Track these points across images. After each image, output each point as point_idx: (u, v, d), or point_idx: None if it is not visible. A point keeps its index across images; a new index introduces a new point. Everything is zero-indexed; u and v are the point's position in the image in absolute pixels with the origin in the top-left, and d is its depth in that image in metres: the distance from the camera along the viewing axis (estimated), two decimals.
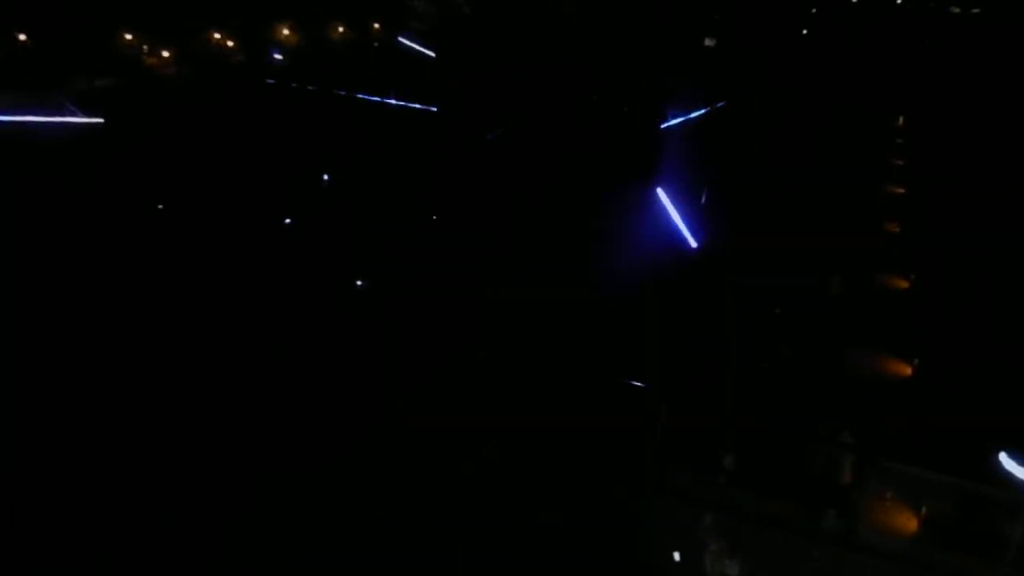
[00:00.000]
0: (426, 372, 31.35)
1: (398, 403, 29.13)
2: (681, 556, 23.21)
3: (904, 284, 41.22)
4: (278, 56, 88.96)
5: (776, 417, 27.67)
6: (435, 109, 72.99)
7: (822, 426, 27.19)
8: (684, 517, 24.19)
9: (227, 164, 53.40)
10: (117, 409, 27.91)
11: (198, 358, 31.41)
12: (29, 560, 22.13)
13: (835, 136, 68.10)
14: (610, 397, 29.38)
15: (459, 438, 27.32)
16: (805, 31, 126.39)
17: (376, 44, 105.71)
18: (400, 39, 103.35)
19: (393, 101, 74.59)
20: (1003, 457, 24.78)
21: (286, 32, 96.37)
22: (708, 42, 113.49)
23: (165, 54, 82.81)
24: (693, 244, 45.07)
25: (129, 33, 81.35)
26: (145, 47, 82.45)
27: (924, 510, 24.65)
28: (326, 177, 52.56)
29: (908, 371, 32.80)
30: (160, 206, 45.80)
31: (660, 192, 51.05)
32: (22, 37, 73.61)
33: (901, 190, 57.30)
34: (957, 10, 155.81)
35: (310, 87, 77.95)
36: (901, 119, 78.03)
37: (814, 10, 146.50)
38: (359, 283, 38.89)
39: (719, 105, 78.98)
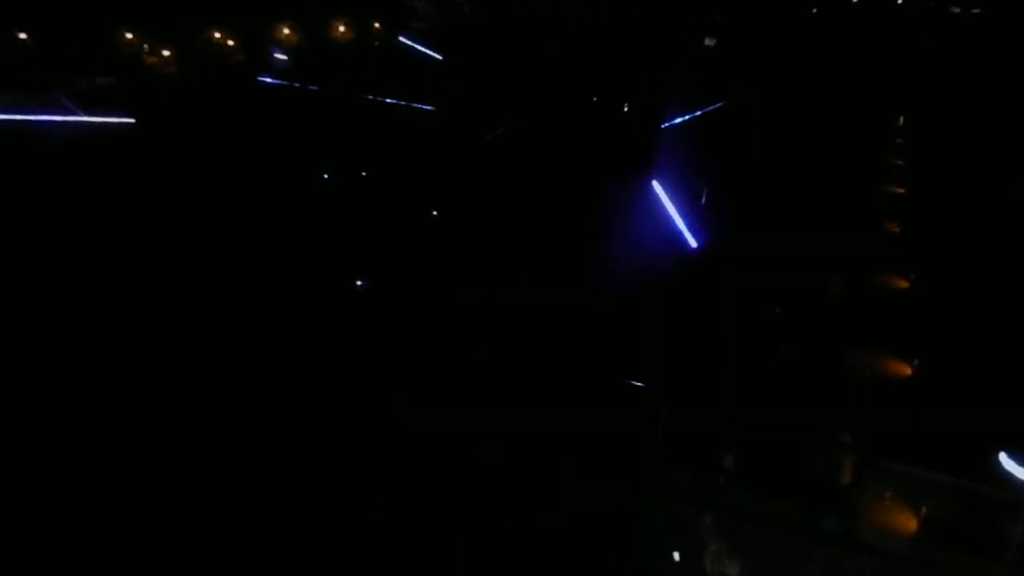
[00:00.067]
0: (426, 372, 31.34)
1: (398, 403, 29.14)
2: (681, 556, 23.21)
3: (904, 284, 41.21)
4: (282, 56, 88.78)
5: (776, 417, 27.67)
6: (435, 109, 72.94)
7: (822, 426, 27.18)
8: (684, 517, 24.20)
9: (227, 164, 53.45)
10: (116, 409, 27.92)
11: (198, 358, 31.41)
12: (29, 560, 22.12)
13: (835, 136, 68.03)
14: (610, 397, 29.38)
15: (459, 438, 27.34)
16: (805, 31, 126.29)
17: (376, 44, 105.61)
18: (400, 39, 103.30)
19: (393, 101, 74.55)
20: (1003, 457, 24.79)
21: (286, 32, 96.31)
22: (708, 42, 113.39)
23: (165, 53, 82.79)
24: (693, 244, 45.05)
25: (129, 32, 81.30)
26: (145, 46, 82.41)
27: (924, 510, 24.65)
28: (326, 176, 52.55)
29: (908, 371, 32.80)
30: (163, 206, 45.76)
31: (660, 192, 51.05)
32: (22, 36, 73.57)
33: (901, 190, 57.26)
34: (957, 10, 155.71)
35: (312, 87, 77.90)
36: (901, 119, 77.97)
37: (814, 10, 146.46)
38: (359, 283, 38.88)
39: (719, 105, 78.93)
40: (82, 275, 37.20)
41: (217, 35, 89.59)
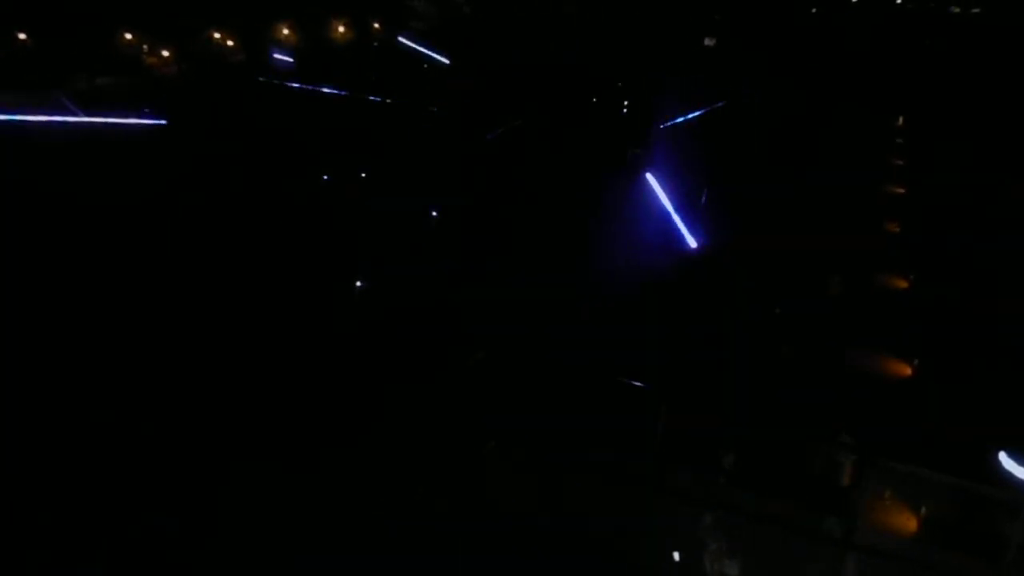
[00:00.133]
0: (426, 372, 31.34)
1: (398, 403, 29.14)
2: (681, 556, 23.22)
3: (904, 284, 41.25)
4: (281, 56, 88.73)
5: (776, 417, 27.69)
6: (435, 109, 72.95)
7: (822, 426, 27.20)
8: (684, 517, 24.23)
9: (226, 165, 53.50)
10: (114, 409, 27.92)
11: (197, 359, 31.41)
12: (29, 560, 22.13)
13: (835, 136, 68.05)
14: (610, 397, 29.35)
15: (459, 438, 27.34)
16: (804, 31, 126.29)
17: (376, 44, 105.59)
18: (400, 39, 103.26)
19: (392, 101, 74.56)
20: (1002, 456, 24.81)
21: (286, 32, 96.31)
22: (708, 42, 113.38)
23: (165, 53, 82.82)
24: (693, 244, 45.04)
25: (129, 32, 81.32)
26: (145, 47, 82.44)
27: (924, 510, 24.69)
28: (325, 177, 52.57)
29: (908, 371, 32.82)
30: (162, 207, 45.77)
31: (660, 192, 51.04)
32: (22, 36, 73.59)
33: (901, 190, 57.30)
34: (957, 10, 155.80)
35: (311, 87, 77.92)
36: (901, 119, 77.99)
37: (814, 10, 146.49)
38: (358, 284, 38.88)
39: (718, 105, 78.93)
40: (81, 275, 37.20)
41: (217, 35, 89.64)
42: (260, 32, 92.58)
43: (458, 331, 34.01)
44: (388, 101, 74.54)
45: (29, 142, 53.57)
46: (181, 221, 44.04)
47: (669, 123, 70.91)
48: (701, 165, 57.19)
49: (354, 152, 58.27)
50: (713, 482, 25.61)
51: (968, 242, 42.67)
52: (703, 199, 51.23)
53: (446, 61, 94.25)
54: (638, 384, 29.99)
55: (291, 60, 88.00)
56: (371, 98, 75.44)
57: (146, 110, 61.99)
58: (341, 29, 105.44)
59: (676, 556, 23.33)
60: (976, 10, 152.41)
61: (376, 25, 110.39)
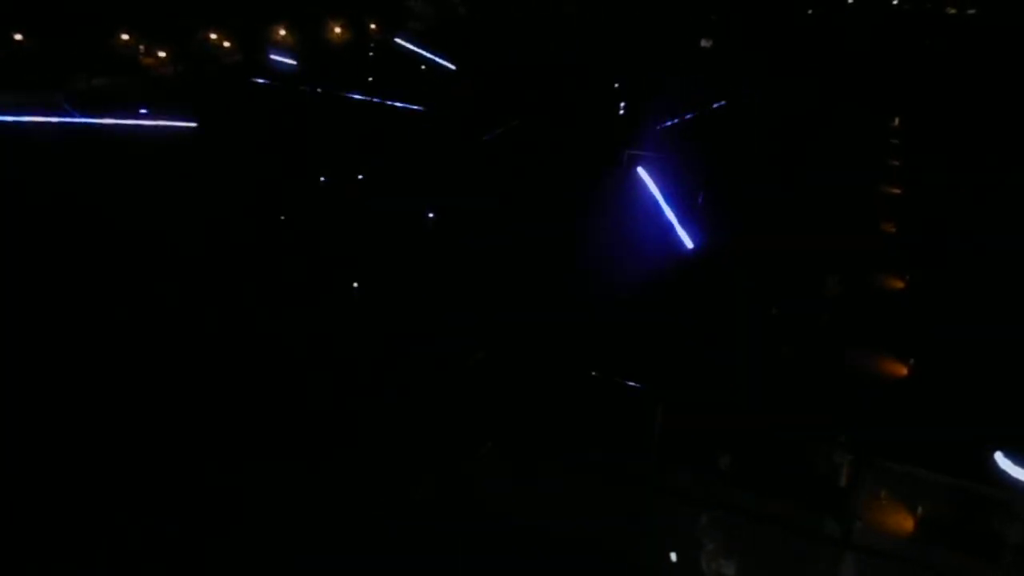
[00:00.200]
0: (425, 372, 31.38)
1: (397, 403, 29.19)
2: (679, 556, 23.29)
3: (902, 284, 41.40)
4: (278, 57, 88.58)
5: (775, 417, 27.79)
6: (435, 110, 72.95)
7: (820, 426, 27.31)
8: (683, 517, 24.31)
9: (224, 165, 53.52)
10: (113, 409, 27.95)
11: (197, 359, 31.43)
12: (30, 560, 22.14)
13: (831, 137, 68.21)
14: (608, 397, 29.44)
15: (459, 438, 27.41)
16: (801, 32, 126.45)
17: (373, 45, 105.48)
18: (397, 40, 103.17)
19: (391, 102, 74.54)
20: (999, 457, 24.94)
21: (282, 33, 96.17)
22: (704, 43, 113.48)
23: (161, 54, 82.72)
24: (691, 245, 45.14)
25: (126, 33, 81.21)
26: (141, 47, 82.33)
27: (921, 510, 24.81)
28: (323, 179, 52.57)
29: (906, 371, 32.96)
30: (161, 207, 45.75)
31: (657, 193, 51.14)
32: (18, 37, 73.46)
33: (898, 190, 57.47)
34: (953, 11, 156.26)
35: (307, 88, 77.83)
36: (897, 120, 78.18)
37: (810, 11, 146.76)
38: (356, 285, 38.92)
39: (716, 105, 79.05)
40: (80, 276, 37.20)
41: (213, 36, 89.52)
42: (257, 33, 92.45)
43: (457, 331, 34.05)
44: (386, 102, 74.50)
45: (27, 143, 53.45)
46: (180, 221, 44.01)
47: (666, 124, 70.98)
48: (698, 166, 57.29)
49: (352, 153, 58.25)
50: (712, 482, 25.70)
51: (966, 242, 42.86)
52: (700, 200, 51.34)
53: (444, 62, 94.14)
54: (635, 384, 30.09)
55: (289, 61, 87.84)
56: (369, 99, 75.40)
57: (143, 111, 61.89)
58: (338, 30, 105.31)
59: (673, 556, 23.37)
60: (972, 11, 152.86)
61: (373, 26, 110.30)
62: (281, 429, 27.38)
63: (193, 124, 60.58)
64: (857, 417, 27.85)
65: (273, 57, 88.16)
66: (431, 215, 47.21)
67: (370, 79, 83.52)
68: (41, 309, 33.89)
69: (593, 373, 30.72)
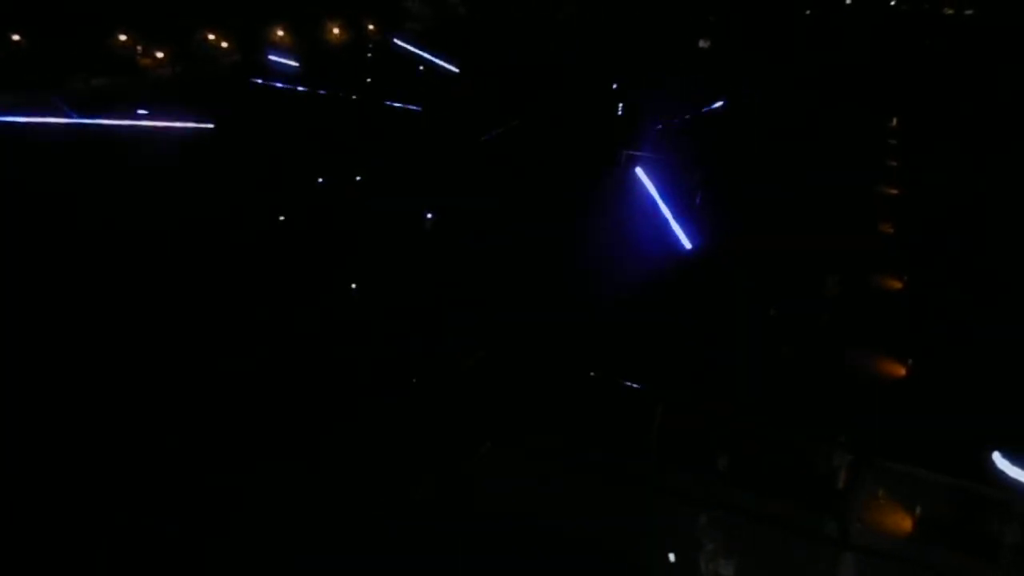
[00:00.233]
0: (424, 372, 31.39)
1: (397, 403, 29.19)
2: (678, 556, 23.30)
3: (901, 284, 41.46)
4: (276, 58, 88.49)
5: (775, 417, 27.83)
6: (434, 110, 72.95)
7: (819, 426, 27.34)
8: (682, 517, 24.31)
9: (224, 165, 53.50)
10: (112, 409, 27.94)
11: (197, 360, 31.42)
12: (29, 560, 22.13)
13: (830, 137, 68.29)
14: (608, 397, 29.46)
15: (459, 438, 27.40)
16: (799, 32, 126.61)
17: (371, 45, 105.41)
18: (395, 40, 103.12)
19: (389, 103, 74.53)
20: (997, 457, 24.98)
21: (280, 33, 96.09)
22: (702, 43, 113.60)
23: (159, 55, 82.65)
24: (690, 245, 45.20)
25: (124, 33, 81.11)
26: (139, 48, 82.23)
27: (920, 510, 24.82)
28: (320, 180, 52.58)
29: (905, 371, 33.00)
30: (160, 208, 45.73)
31: (655, 193, 51.20)
32: (16, 37, 73.37)
33: (897, 191, 57.56)
34: (951, 11, 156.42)
35: (305, 88, 77.82)
36: (895, 120, 78.28)
37: (808, 12, 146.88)
38: (354, 285, 38.94)
39: (716, 105, 79.15)
40: (80, 276, 37.17)
41: (211, 36, 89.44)
42: (255, 33, 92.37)
43: (457, 331, 34.07)
44: (385, 103, 74.48)
45: (24, 143, 53.40)
46: (178, 222, 43.97)
47: (664, 124, 71.03)
48: (697, 166, 57.36)
49: (351, 153, 58.25)
50: (711, 482, 25.71)
51: (965, 242, 42.95)
52: (698, 200, 51.41)
53: (443, 63, 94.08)
54: (634, 384, 30.12)
55: (287, 61, 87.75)
56: (368, 99, 75.37)
57: (141, 111, 61.84)
58: (336, 30, 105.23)
59: (672, 557, 23.36)
60: (969, 12, 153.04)
61: (371, 27, 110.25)
62: (281, 429, 27.37)
63: (191, 125, 60.59)
64: (857, 417, 27.87)
65: (272, 57, 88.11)
66: (430, 215, 47.23)
67: (368, 80, 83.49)
68: (41, 309, 33.87)
69: (593, 373, 30.74)
